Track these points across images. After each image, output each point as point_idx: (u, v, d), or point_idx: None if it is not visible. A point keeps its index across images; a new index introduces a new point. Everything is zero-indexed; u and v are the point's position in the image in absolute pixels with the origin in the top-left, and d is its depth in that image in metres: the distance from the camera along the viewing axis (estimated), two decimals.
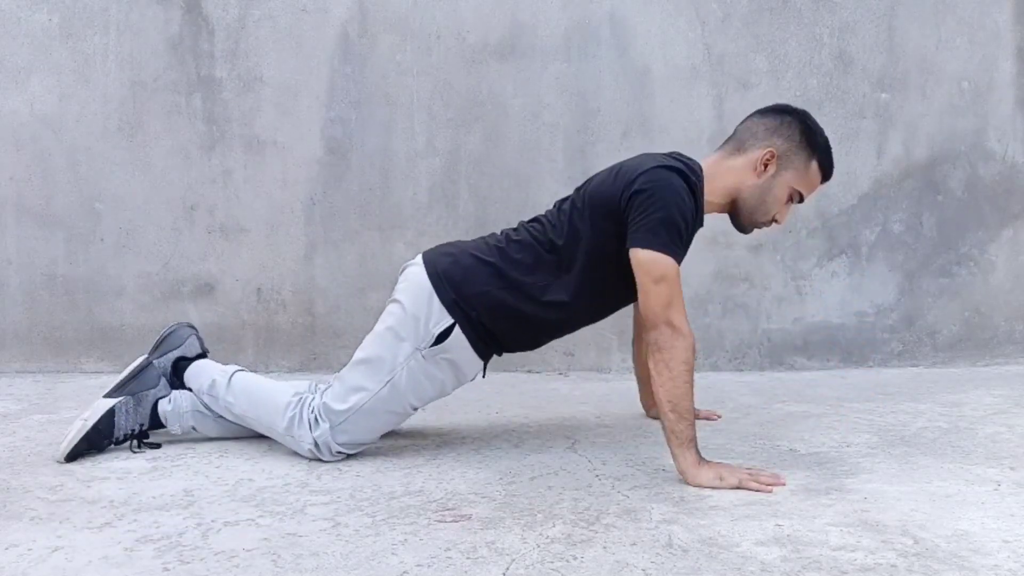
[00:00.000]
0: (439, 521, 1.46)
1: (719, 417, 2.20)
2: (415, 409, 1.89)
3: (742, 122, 1.91)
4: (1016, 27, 3.03)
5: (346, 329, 2.99)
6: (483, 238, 1.94)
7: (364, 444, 1.88)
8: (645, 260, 1.70)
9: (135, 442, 1.94)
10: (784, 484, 1.64)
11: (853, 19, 3.00)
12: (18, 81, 2.95)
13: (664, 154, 1.83)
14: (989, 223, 3.06)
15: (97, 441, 1.89)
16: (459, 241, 1.99)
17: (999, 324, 3.07)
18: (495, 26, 2.97)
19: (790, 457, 1.87)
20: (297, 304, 3.00)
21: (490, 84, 2.98)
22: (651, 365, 1.68)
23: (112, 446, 1.92)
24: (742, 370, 3.00)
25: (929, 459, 1.84)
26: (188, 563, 1.29)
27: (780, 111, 1.87)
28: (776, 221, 1.88)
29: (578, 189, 1.90)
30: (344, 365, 1.91)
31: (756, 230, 1.93)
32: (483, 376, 1.96)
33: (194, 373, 2.02)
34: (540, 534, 1.40)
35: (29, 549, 1.35)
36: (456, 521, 1.46)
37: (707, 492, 1.61)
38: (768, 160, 1.82)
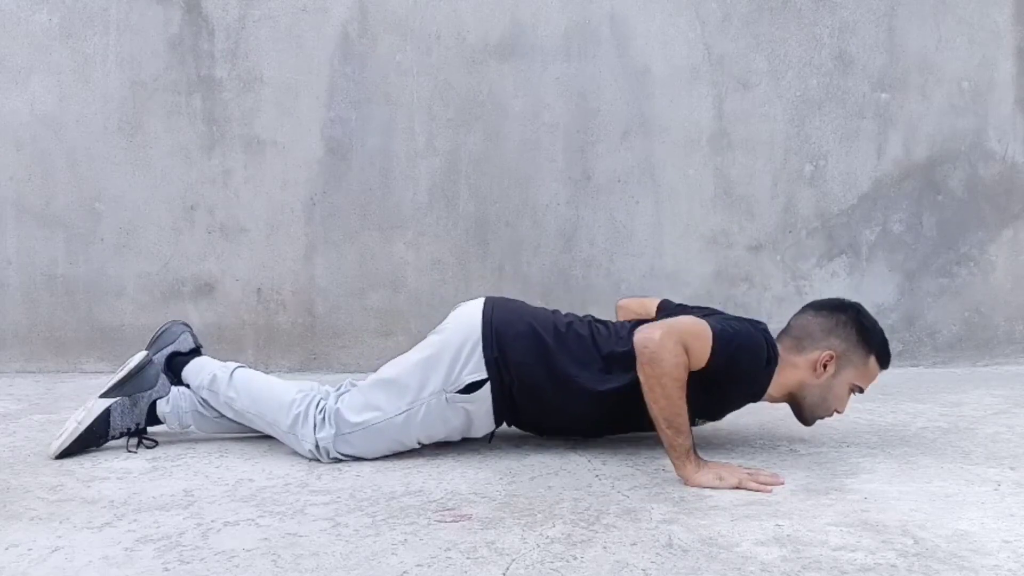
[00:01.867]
0: (439, 521, 1.46)
1: (783, 483, 1.74)
2: (420, 445, 1.89)
3: (796, 316, 1.91)
4: (1016, 27, 3.03)
5: (346, 329, 2.99)
6: (548, 311, 1.93)
7: (362, 459, 1.87)
8: (682, 316, 1.75)
9: (132, 441, 1.94)
10: (783, 484, 1.64)
11: (853, 19, 3.00)
12: (18, 81, 2.95)
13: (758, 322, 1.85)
14: (989, 223, 3.05)
15: (91, 442, 1.89)
16: (525, 304, 1.97)
17: (999, 324, 3.07)
18: (495, 26, 2.97)
19: (790, 457, 1.87)
20: (297, 304, 3.00)
21: (490, 84, 2.98)
22: (642, 380, 1.67)
23: (108, 441, 1.92)
24: None
25: (929, 459, 1.84)
26: (188, 563, 1.29)
27: (834, 308, 1.88)
28: (838, 412, 1.88)
29: (659, 316, 1.92)
30: (345, 366, 1.91)
31: (818, 420, 1.92)
32: (489, 441, 1.96)
33: (193, 369, 2.01)
34: (540, 534, 1.40)
35: (29, 549, 1.35)
36: (456, 521, 1.46)
37: (707, 492, 1.61)
38: (827, 362, 1.81)
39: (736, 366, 1.73)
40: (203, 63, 2.96)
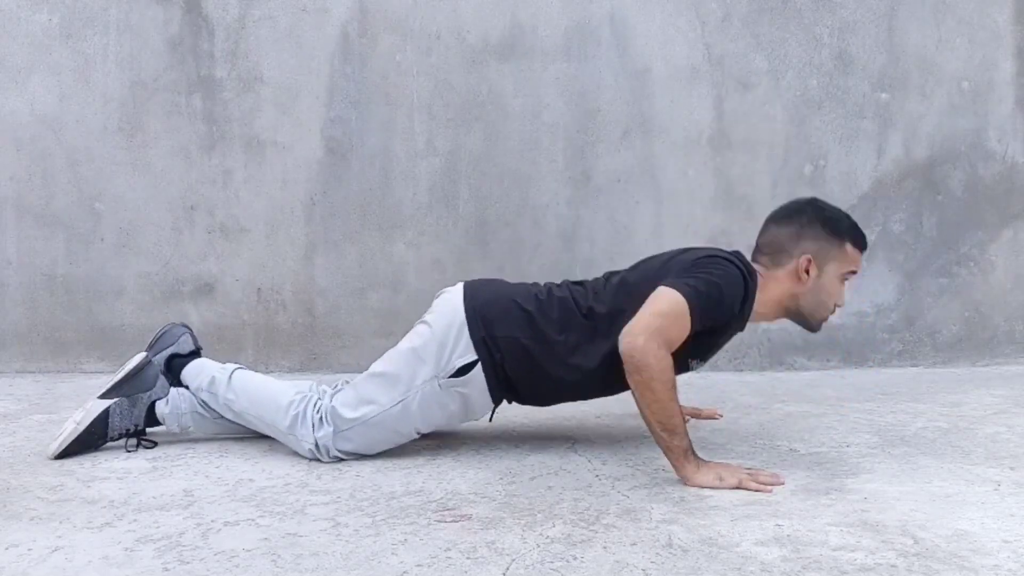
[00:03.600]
0: (439, 521, 1.46)
1: (720, 416, 2.20)
2: (419, 434, 1.89)
3: (761, 233, 1.91)
4: (1016, 27, 3.03)
5: (346, 329, 2.99)
6: (527, 285, 1.94)
7: (362, 455, 1.88)
8: (659, 292, 1.70)
9: (131, 441, 1.94)
10: (783, 484, 1.64)
11: (853, 19, 3.00)
12: (18, 81, 2.95)
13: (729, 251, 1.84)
14: (989, 223, 3.06)
15: (90, 443, 1.89)
16: (503, 281, 1.99)
17: (999, 324, 3.07)
18: (495, 26, 2.97)
19: (790, 457, 1.87)
20: (297, 304, 3.00)
21: (490, 84, 2.98)
22: (632, 387, 1.67)
23: (107, 442, 1.92)
24: (742, 370, 3.00)
25: (929, 459, 1.84)
26: (188, 563, 1.29)
27: (793, 213, 1.88)
28: (839, 306, 1.89)
29: (633, 267, 1.91)
30: (345, 366, 1.91)
31: (826, 322, 1.92)
32: (490, 420, 1.96)
33: (192, 371, 2.02)
34: (540, 534, 1.40)
35: (29, 549, 1.35)
36: (456, 521, 1.46)
37: (707, 492, 1.61)
38: (807, 266, 1.82)
39: (720, 316, 1.74)
40: (203, 63, 2.97)
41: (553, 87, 2.98)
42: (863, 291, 3.02)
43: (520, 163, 2.99)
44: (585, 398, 1.98)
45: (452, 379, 1.82)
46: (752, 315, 1.84)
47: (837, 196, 3.01)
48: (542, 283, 1.94)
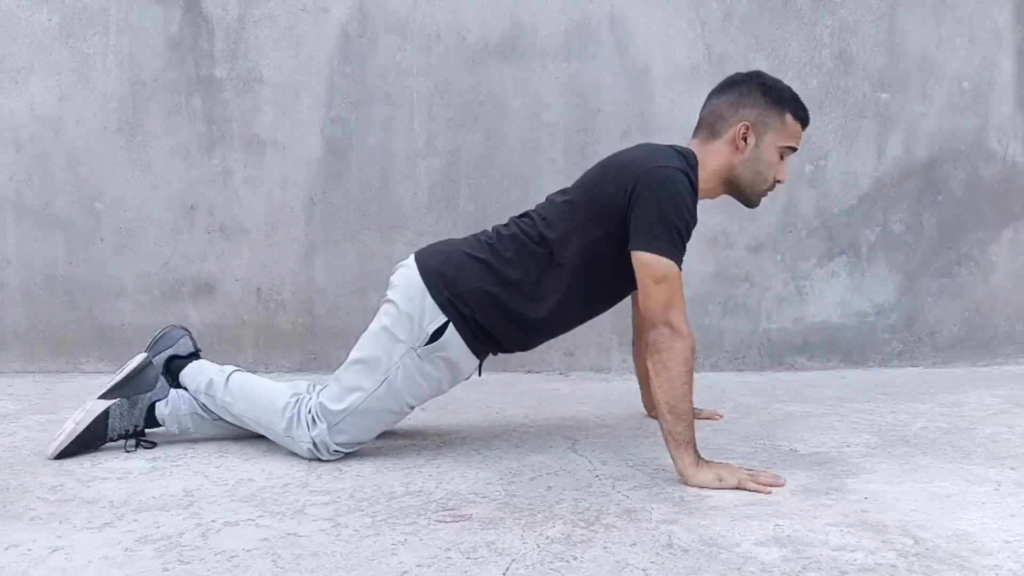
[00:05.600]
0: (439, 521, 1.46)
1: (721, 417, 2.20)
2: (411, 408, 1.89)
3: (704, 106, 1.92)
4: (1016, 27, 3.03)
5: (346, 329, 2.99)
6: (475, 235, 1.94)
7: (362, 443, 1.88)
8: (647, 262, 1.69)
9: (130, 442, 1.94)
10: (784, 485, 1.64)
11: (853, 19, 3.00)
12: (18, 81, 2.95)
13: (662, 147, 1.82)
14: (989, 223, 3.05)
15: (89, 443, 1.89)
16: (451, 239, 1.98)
17: (999, 324, 3.07)
18: (495, 26, 2.97)
19: (790, 457, 1.87)
20: (297, 304, 3.00)
21: (490, 84, 2.98)
22: (650, 366, 1.67)
23: (106, 443, 1.92)
24: (742, 370, 3.00)
25: (929, 459, 1.84)
26: (188, 563, 1.29)
27: (734, 82, 1.88)
28: (779, 181, 1.88)
29: (576, 184, 1.90)
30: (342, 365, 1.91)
31: (764, 197, 1.92)
32: (479, 375, 1.96)
33: (191, 373, 2.02)
34: (540, 534, 1.40)
35: (29, 549, 1.35)
36: (456, 521, 1.46)
37: (707, 492, 1.61)
38: (745, 133, 1.82)
39: (689, 235, 1.75)
40: (203, 63, 2.96)
41: (553, 87, 2.98)
42: (863, 291, 3.02)
43: (520, 163, 2.99)
44: (566, 330, 1.95)
45: (428, 347, 1.81)
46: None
47: (837, 196, 3.02)
48: (490, 228, 1.93)
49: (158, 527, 1.44)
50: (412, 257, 1.91)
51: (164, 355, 2.04)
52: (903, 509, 1.51)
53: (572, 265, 1.80)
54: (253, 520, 1.48)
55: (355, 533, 1.41)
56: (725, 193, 1.92)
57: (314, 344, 3.00)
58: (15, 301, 2.97)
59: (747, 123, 1.82)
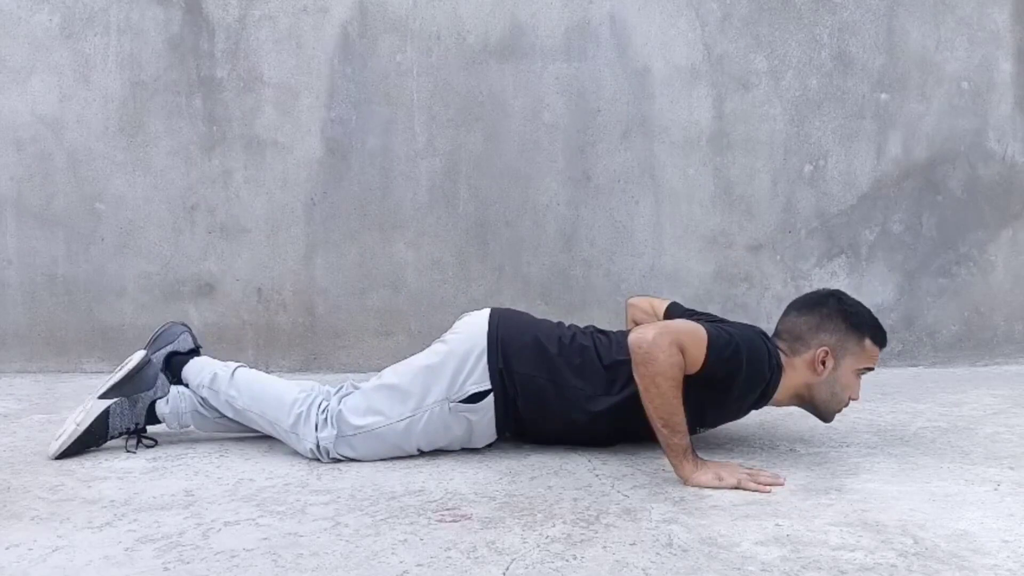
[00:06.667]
0: (439, 521, 1.47)
1: (783, 483, 1.73)
2: (419, 452, 1.89)
3: (782, 319, 1.90)
4: (1016, 27, 3.03)
5: (346, 329, 2.99)
6: (556, 324, 1.94)
7: (361, 461, 1.87)
8: (686, 324, 1.74)
9: (131, 441, 1.94)
10: (783, 484, 1.64)
11: (853, 19, 3.00)
12: (18, 81, 2.95)
13: (763, 351, 1.80)
14: (989, 223, 3.06)
15: (90, 443, 1.89)
16: (530, 316, 1.98)
17: (999, 324, 3.07)
18: (495, 26, 2.97)
19: (790, 457, 1.87)
20: (297, 304, 3.00)
21: (490, 84, 2.98)
22: (637, 379, 1.68)
23: (107, 442, 1.92)
24: None
25: (929, 459, 1.84)
26: (188, 563, 1.29)
27: (815, 303, 1.87)
28: (853, 399, 1.87)
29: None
30: (345, 366, 1.91)
31: (839, 414, 1.91)
32: (490, 445, 1.95)
33: (194, 368, 2.01)
34: (540, 534, 1.40)
35: (29, 549, 1.35)
36: (456, 521, 1.47)
37: (707, 492, 1.61)
38: (824, 358, 1.81)
39: (736, 373, 1.73)
40: (203, 63, 2.97)
41: (553, 87, 2.98)
42: (863, 291, 3.02)
43: (520, 163, 2.99)
44: (587, 445, 1.95)
45: (462, 404, 1.82)
46: None
47: (837, 196, 3.02)
48: (567, 324, 1.95)
49: (159, 526, 1.45)
50: (487, 312, 1.91)
51: (164, 351, 2.03)
52: (902, 509, 1.51)
53: (623, 399, 1.80)
54: (253, 520, 1.48)
55: (355, 533, 1.41)
56: (797, 405, 1.91)
57: (314, 344, 3.00)
58: (16, 301, 2.97)
59: (827, 348, 1.81)
